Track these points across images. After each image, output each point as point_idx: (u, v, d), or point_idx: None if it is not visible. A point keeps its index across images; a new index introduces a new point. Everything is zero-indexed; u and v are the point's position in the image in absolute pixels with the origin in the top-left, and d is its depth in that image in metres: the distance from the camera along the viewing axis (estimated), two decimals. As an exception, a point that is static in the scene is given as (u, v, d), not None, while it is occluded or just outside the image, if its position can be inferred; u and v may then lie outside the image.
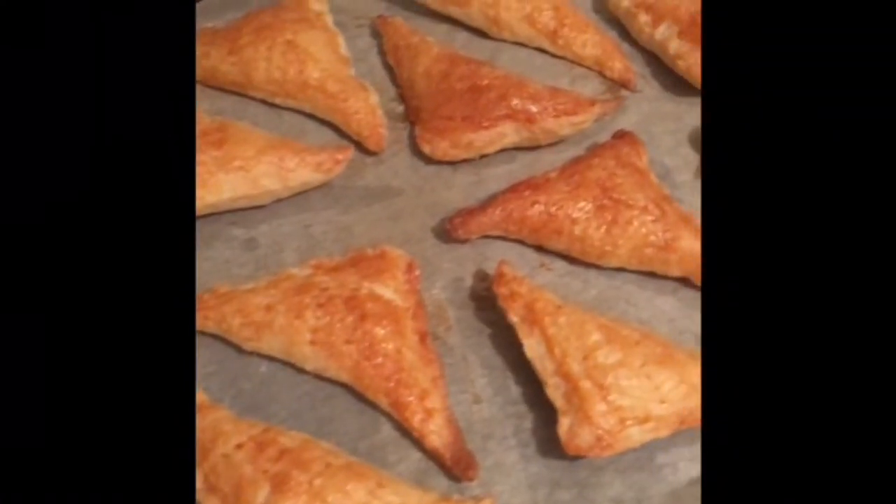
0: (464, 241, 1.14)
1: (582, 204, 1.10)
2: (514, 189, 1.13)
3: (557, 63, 1.35)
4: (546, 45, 1.35)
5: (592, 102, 1.22)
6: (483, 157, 1.22)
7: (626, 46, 1.38)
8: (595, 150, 1.18)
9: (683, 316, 1.10)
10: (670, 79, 1.32)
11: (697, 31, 1.28)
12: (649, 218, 1.09)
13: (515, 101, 1.18)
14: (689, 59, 1.28)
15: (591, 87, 1.33)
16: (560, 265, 1.14)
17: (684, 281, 1.12)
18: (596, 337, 0.98)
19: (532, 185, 1.12)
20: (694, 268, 1.10)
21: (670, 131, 1.28)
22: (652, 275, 1.12)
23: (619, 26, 1.40)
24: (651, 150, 1.25)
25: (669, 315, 1.10)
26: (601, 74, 1.34)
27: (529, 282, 1.04)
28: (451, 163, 1.22)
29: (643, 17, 1.35)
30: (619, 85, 1.33)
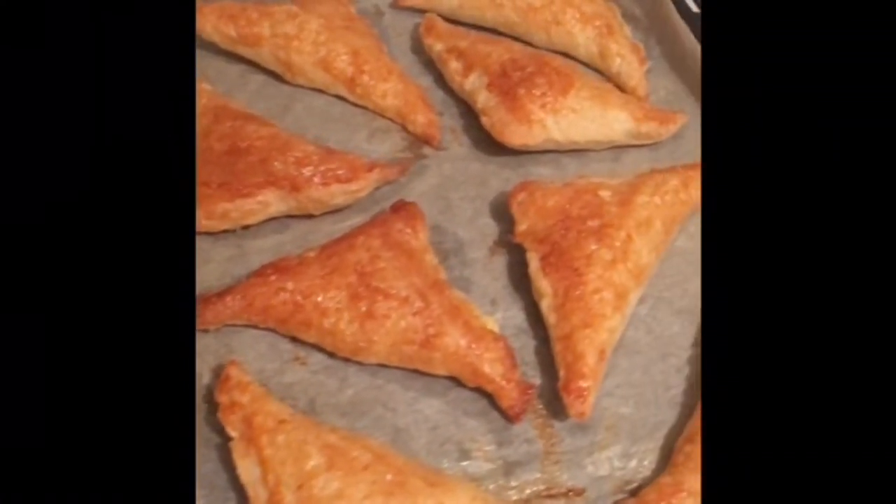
0: (205, 331, 0.99)
1: (333, 293, 0.96)
2: (261, 272, 0.98)
3: (357, 114, 1.21)
4: (344, 92, 1.20)
5: (371, 167, 1.07)
6: (248, 226, 1.07)
7: (441, 95, 1.24)
8: (363, 225, 1.03)
9: (449, 422, 0.96)
10: (483, 134, 1.17)
11: (507, 84, 1.14)
12: (409, 311, 0.95)
13: (278, 166, 1.04)
14: (494, 116, 1.13)
15: (390, 142, 1.18)
16: (318, 358, 0.99)
17: (458, 379, 0.98)
18: (316, 461, 0.84)
19: (281, 267, 0.98)
20: (459, 368, 0.95)
21: (471, 198, 1.14)
22: (421, 371, 0.98)
23: (438, 71, 1.26)
24: (445, 221, 1.11)
25: (433, 422, 0.96)
26: (404, 128, 1.19)
27: (256, 389, 0.90)
28: (212, 233, 1.07)
29: (454, 64, 1.20)
30: (421, 141, 1.18)
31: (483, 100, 1.15)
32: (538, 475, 0.93)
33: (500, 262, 1.08)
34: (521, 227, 1.04)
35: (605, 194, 1.05)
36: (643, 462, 0.95)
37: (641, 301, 1.05)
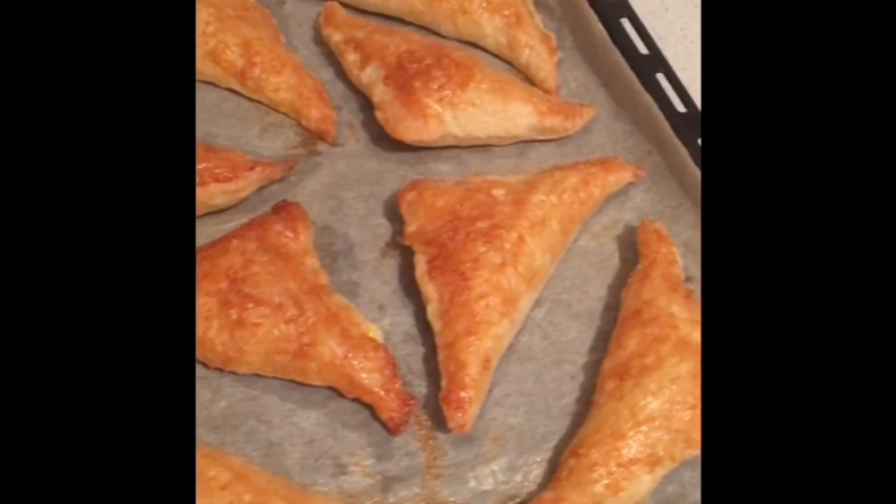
0: (69, 340, 0.94)
1: (203, 300, 0.90)
2: (127, 279, 0.92)
3: (251, 108, 1.15)
4: (236, 86, 1.14)
5: (252, 165, 1.01)
6: (124, 228, 1.02)
7: (342, 88, 1.18)
8: (241, 227, 0.97)
9: (327, 435, 0.91)
10: (383, 130, 1.12)
11: (403, 77, 1.08)
12: (282, 318, 0.90)
13: (152, 165, 0.98)
14: (389, 111, 1.08)
15: (283, 138, 1.13)
16: (192, 368, 0.94)
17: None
18: (169, 482, 0.79)
19: (149, 273, 0.92)
20: (336, 378, 0.91)
21: (364, 197, 1.08)
22: (300, 382, 0.93)
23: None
24: (335, 221, 1.06)
25: (309, 435, 0.91)
26: (299, 123, 1.13)
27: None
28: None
29: (352, 56, 1.14)
30: (315, 136, 1.12)
31: (380, 93, 1.10)
32: (417, 491, 0.89)
33: (392, 264, 1.03)
34: (411, 227, 0.99)
35: (498, 193, 1.00)
36: (529, 476, 0.91)
37: (537, 304, 1.00)
